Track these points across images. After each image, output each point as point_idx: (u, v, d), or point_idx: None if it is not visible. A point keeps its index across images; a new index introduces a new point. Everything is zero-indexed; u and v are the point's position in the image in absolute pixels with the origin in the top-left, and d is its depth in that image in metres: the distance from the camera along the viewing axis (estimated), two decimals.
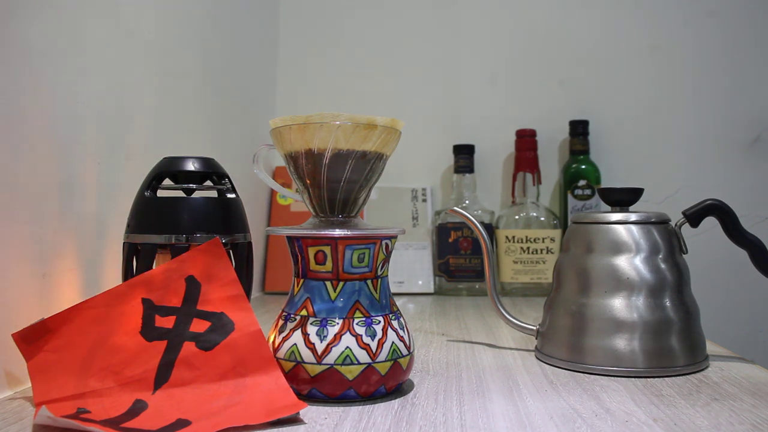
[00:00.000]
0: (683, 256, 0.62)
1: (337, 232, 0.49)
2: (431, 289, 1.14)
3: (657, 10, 1.21)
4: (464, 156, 1.17)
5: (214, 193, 0.58)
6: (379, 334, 0.49)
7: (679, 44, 1.20)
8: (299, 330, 0.49)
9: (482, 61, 1.25)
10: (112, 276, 0.63)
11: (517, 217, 1.14)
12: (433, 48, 1.26)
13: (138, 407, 0.44)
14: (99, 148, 0.63)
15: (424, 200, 1.21)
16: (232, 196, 0.58)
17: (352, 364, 0.47)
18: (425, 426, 0.43)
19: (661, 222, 0.62)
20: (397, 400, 0.49)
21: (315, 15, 1.28)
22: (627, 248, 0.60)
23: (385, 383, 0.49)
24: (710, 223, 0.66)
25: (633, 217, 0.61)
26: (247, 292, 0.56)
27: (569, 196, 1.16)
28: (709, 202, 0.62)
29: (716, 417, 0.45)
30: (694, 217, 0.62)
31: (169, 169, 0.56)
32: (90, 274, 0.60)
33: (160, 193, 0.56)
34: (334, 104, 1.22)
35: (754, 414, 0.46)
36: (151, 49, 0.74)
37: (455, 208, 0.67)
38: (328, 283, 0.50)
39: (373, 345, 0.48)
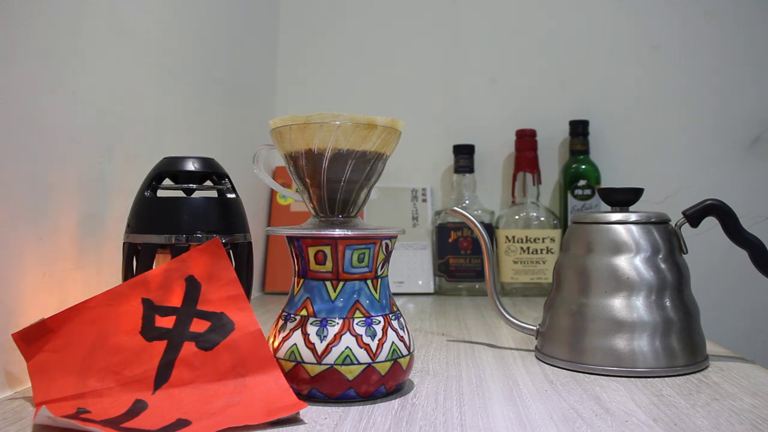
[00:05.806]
0: (683, 256, 0.62)
1: (337, 232, 0.49)
2: (431, 289, 1.14)
3: (656, 11, 1.21)
4: (464, 156, 1.17)
5: (214, 193, 0.58)
6: (379, 334, 0.49)
7: (678, 44, 1.20)
8: (299, 330, 0.49)
9: (482, 61, 1.25)
10: (112, 276, 0.63)
11: (517, 217, 1.14)
12: (433, 48, 1.26)
13: (138, 407, 0.44)
14: (99, 148, 0.63)
15: (424, 200, 1.21)
16: (232, 196, 0.58)
17: (352, 364, 0.47)
18: (425, 426, 0.43)
19: (661, 222, 0.62)
20: (397, 400, 0.49)
21: (315, 15, 1.28)
22: (627, 248, 0.60)
23: (385, 383, 0.49)
24: (710, 223, 0.66)
25: (633, 217, 0.61)
26: (247, 292, 0.56)
27: (569, 196, 1.16)
28: (709, 202, 0.62)
29: (716, 417, 0.45)
30: (694, 217, 0.62)
31: (169, 169, 0.56)
32: (90, 274, 0.60)
33: (160, 193, 0.56)
34: (334, 104, 1.22)
35: (754, 414, 0.46)
36: (151, 48, 0.74)
37: (455, 208, 0.67)
38: (328, 283, 0.50)
39: (373, 345, 0.48)
